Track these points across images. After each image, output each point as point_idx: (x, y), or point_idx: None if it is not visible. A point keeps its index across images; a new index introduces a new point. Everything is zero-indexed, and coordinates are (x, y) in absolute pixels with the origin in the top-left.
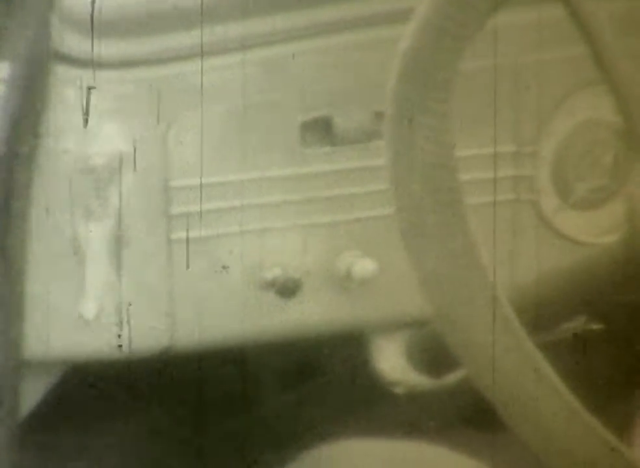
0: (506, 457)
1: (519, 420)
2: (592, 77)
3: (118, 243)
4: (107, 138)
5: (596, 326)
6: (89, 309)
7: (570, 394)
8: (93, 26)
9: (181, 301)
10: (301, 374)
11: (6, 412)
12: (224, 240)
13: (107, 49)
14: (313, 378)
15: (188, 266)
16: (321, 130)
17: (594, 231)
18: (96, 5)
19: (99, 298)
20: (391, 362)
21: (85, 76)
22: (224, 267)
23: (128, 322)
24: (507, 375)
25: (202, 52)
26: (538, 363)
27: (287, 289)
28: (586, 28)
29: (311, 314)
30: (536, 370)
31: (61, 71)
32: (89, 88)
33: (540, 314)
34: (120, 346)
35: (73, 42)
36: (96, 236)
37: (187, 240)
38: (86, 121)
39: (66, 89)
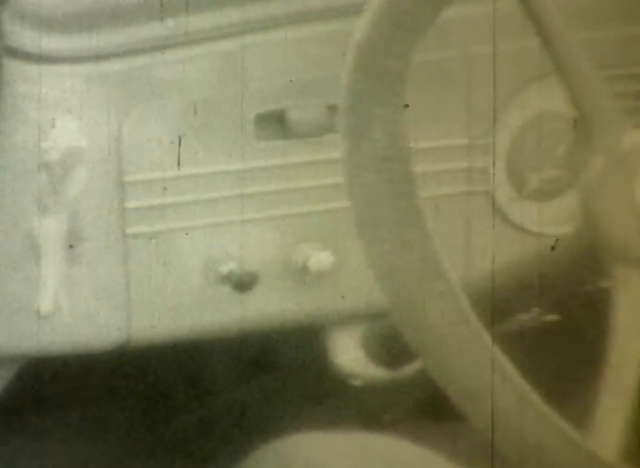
0: (463, 448)
1: (475, 411)
2: (545, 69)
3: (73, 238)
4: (61, 133)
5: (551, 317)
6: (45, 304)
7: (526, 385)
8: (46, 21)
9: (138, 296)
10: (258, 368)
11: None
12: (179, 234)
13: (60, 43)
14: (271, 372)
15: (144, 261)
16: (275, 123)
17: (549, 222)
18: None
19: (56, 293)
20: (349, 354)
21: (39, 71)
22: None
23: (84, 317)
24: (463, 366)
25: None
26: (493, 354)
27: (243, 283)
28: (539, 20)
29: (268, 307)
30: (491, 361)
31: (14, 66)
32: None
33: (495, 306)
34: (77, 341)
35: (25, 37)
36: (51, 231)
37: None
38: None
39: (19, 84)
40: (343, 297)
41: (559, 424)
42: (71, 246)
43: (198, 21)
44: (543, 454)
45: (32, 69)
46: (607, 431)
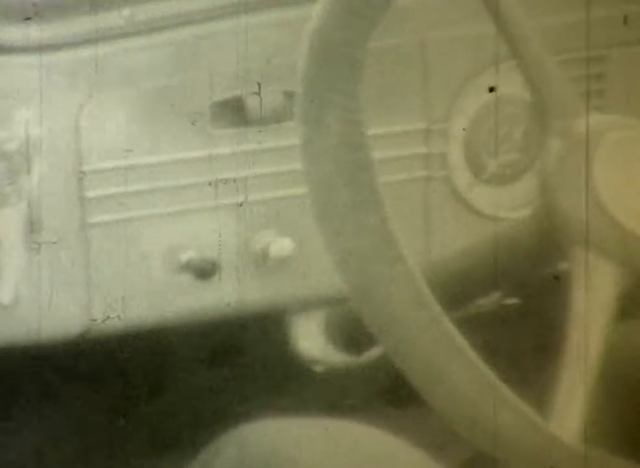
0: (426, 433)
1: (437, 396)
2: (501, 53)
3: (33, 228)
4: (19, 123)
5: (511, 301)
6: (5, 294)
7: (487, 369)
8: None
9: (98, 285)
10: (220, 355)
11: None
12: (139, 223)
13: (16, 33)
14: (233, 359)
15: (104, 250)
16: (233, 111)
17: (508, 206)
18: None
19: (15, 283)
20: (311, 340)
21: None
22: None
23: (45, 306)
24: (423, 351)
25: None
26: (454, 339)
27: (204, 271)
28: (495, 5)
29: (229, 295)
30: (452, 346)
31: None
32: None
33: (455, 290)
34: (38, 330)
35: None
36: (11, 221)
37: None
38: None
39: None
40: (303, 283)
41: (520, 407)
42: (31, 235)
43: (154, 10)
44: (505, 437)
45: None
46: (569, 415)
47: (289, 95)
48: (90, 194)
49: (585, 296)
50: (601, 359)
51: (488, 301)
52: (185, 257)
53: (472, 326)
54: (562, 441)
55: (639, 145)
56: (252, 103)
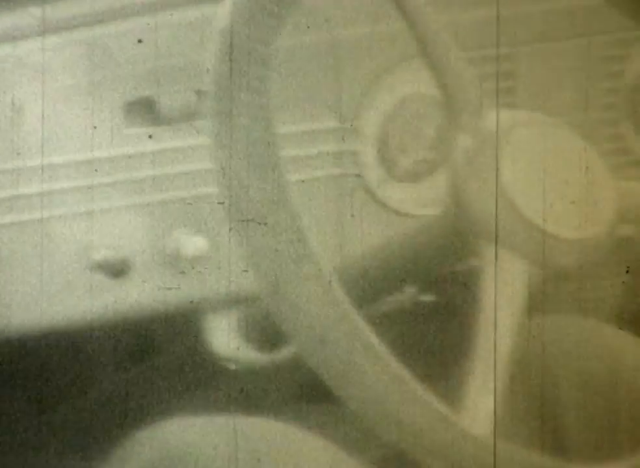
0: (341, 430)
1: (348, 392)
2: (411, 51)
3: None
4: None
5: (426, 297)
6: None
7: (399, 365)
8: None
9: (11, 286)
10: (135, 354)
11: None
12: (52, 223)
13: None
14: (148, 358)
15: (17, 250)
16: (144, 110)
17: (420, 203)
18: None
19: None
20: (225, 338)
21: None
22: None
23: None
24: (334, 348)
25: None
26: (364, 335)
27: (117, 270)
28: (402, 3)
29: (142, 294)
30: (363, 342)
31: None
32: None
33: (369, 287)
34: None
35: None
36: None
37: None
38: None
39: None
40: (217, 282)
41: (432, 403)
42: None
43: (67, 8)
44: (417, 432)
45: None
46: (479, 409)
47: (201, 93)
48: (1, 194)
49: (495, 292)
50: (511, 353)
51: (403, 297)
52: (97, 256)
53: (387, 322)
54: (473, 435)
55: (546, 141)
56: (163, 102)
